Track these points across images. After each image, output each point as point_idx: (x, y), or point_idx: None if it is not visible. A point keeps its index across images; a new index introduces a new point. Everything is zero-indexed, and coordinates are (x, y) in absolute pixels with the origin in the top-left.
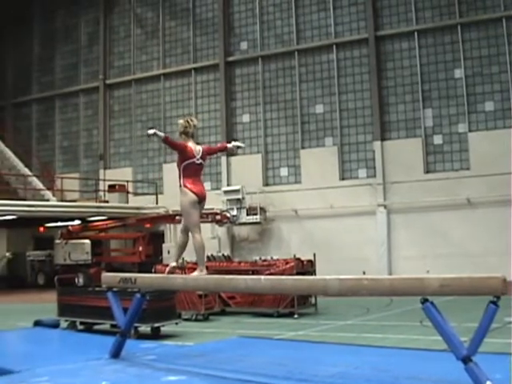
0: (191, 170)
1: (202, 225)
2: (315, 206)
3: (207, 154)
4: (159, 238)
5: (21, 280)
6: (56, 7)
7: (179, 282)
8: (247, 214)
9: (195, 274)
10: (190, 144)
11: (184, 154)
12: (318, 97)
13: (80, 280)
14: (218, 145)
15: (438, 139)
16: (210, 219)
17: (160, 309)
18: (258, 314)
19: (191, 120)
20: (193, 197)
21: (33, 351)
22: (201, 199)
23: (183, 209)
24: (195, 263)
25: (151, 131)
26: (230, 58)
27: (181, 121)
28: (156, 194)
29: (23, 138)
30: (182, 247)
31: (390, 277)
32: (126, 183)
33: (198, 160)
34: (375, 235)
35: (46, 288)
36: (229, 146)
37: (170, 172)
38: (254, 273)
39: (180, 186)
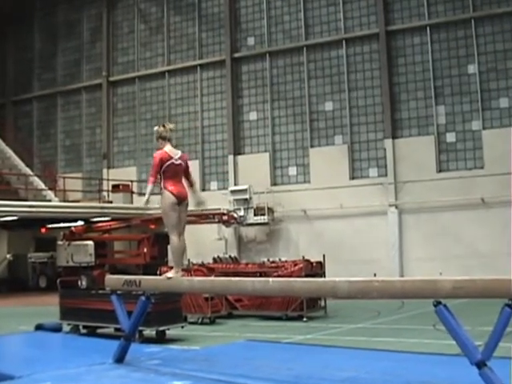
0: (170, 172)
1: (208, 225)
2: (324, 206)
3: (186, 162)
4: (164, 239)
5: (22, 282)
6: (58, 2)
7: (185, 285)
8: (255, 215)
9: (170, 274)
10: (166, 148)
11: (162, 161)
12: (327, 94)
13: (83, 282)
14: (191, 176)
15: (450, 137)
16: (216, 220)
17: (165, 312)
18: (265, 317)
19: (167, 124)
20: (172, 198)
21: (34, 356)
22: (181, 200)
23: (162, 210)
24: (201, 265)
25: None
26: (237, 54)
27: (156, 127)
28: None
29: (24, 137)
30: (180, 253)
31: (401, 279)
32: (130, 183)
33: (176, 161)
34: (386, 236)
35: (48, 291)
36: (197, 195)
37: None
38: (261, 275)
39: (161, 188)
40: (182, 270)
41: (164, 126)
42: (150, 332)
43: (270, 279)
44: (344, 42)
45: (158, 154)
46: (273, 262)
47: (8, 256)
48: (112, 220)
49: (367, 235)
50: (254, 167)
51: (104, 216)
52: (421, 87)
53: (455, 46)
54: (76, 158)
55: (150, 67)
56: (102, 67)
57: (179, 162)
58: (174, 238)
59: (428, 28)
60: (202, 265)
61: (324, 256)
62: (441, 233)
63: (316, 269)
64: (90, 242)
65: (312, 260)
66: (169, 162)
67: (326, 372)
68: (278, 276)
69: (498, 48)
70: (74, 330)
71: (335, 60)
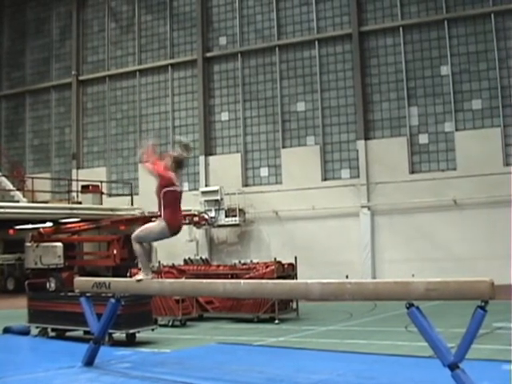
0: (171, 199)
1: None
2: (296, 208)
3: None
4: None
5: None
6: None
7: (155, 287)
8: (226, 216)
9: (140, 276)
10: (171, 173)
11: (165, 180)
12: (299, 94)
13: (52, 284)
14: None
15: (423, 138)
16: (187, 221)
17: (135, 314)
18: (237, 319)
19: (190, 150)
20: (166, 230)
21: (2, 359)
22: (174, 233)
23: (150, 228)
24: (171, 267)
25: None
26: (209, 54)
27: (179, 144)
28: (131, 195)
29: None
30: (148, 254)
31: (374, 281)
32: (99, 184)
33: (178, 187)
34: (359, 238)
35: (16, 293)
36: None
37: (146, 172)
38: (233, 277)
39: (160, 215)
40: (153, 271)
41: (188, 150)
42: (119, 335)
43: (242, 281)
44: (317, 42)
45: (163, 172)
46: (244, 263)
47: None
48: (81, 221)
49: (339, 237)
50: (225, 168)
51: (73, 217)
52: (393, 88)
53: (428, 47)
54: (45, 158)
55: (121, 66)
56: (71, 66)
57: (181, 189)
58: (136, 246)
59: (401, 29)
60: (173, 266)
61: (296, 258)
62: (414, 234)
63: (288, 270)
64: (59, 244)
65: (284, 262)
66: (172, 188)
67: (298, 375)
68: (250, 278)
69: (471, 49)
70: (42, 333)
71: (308, 60)
